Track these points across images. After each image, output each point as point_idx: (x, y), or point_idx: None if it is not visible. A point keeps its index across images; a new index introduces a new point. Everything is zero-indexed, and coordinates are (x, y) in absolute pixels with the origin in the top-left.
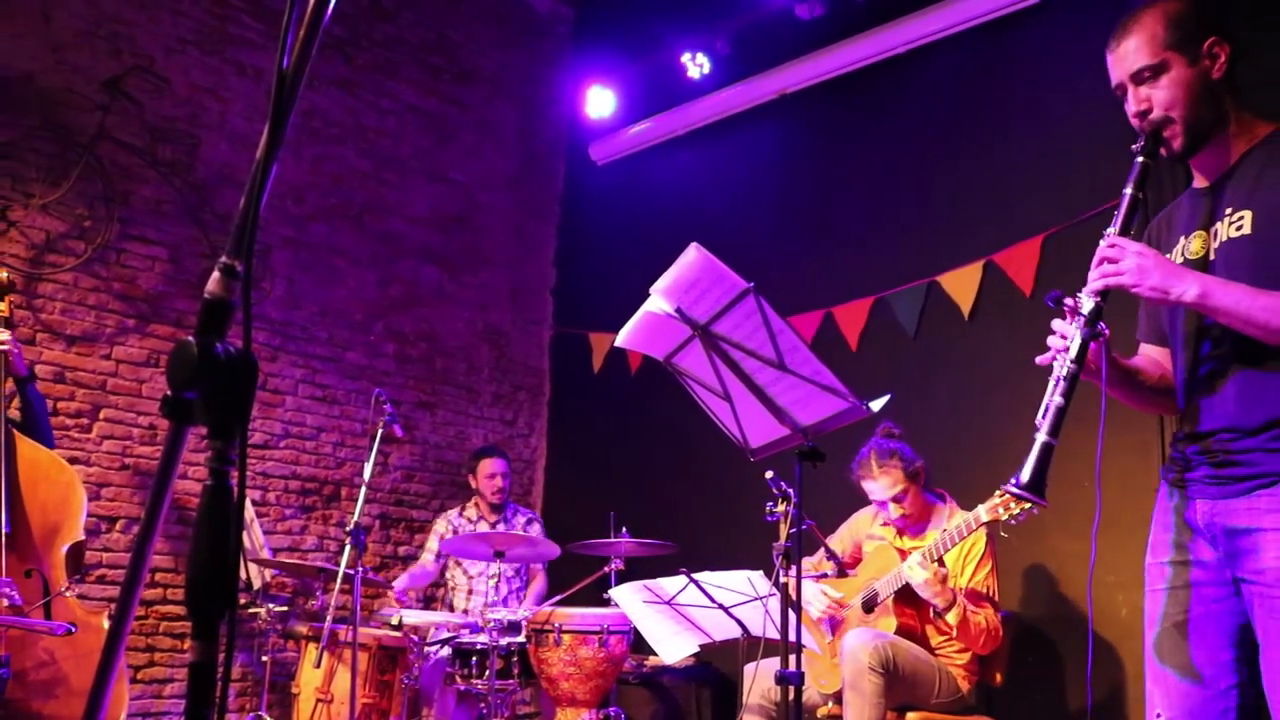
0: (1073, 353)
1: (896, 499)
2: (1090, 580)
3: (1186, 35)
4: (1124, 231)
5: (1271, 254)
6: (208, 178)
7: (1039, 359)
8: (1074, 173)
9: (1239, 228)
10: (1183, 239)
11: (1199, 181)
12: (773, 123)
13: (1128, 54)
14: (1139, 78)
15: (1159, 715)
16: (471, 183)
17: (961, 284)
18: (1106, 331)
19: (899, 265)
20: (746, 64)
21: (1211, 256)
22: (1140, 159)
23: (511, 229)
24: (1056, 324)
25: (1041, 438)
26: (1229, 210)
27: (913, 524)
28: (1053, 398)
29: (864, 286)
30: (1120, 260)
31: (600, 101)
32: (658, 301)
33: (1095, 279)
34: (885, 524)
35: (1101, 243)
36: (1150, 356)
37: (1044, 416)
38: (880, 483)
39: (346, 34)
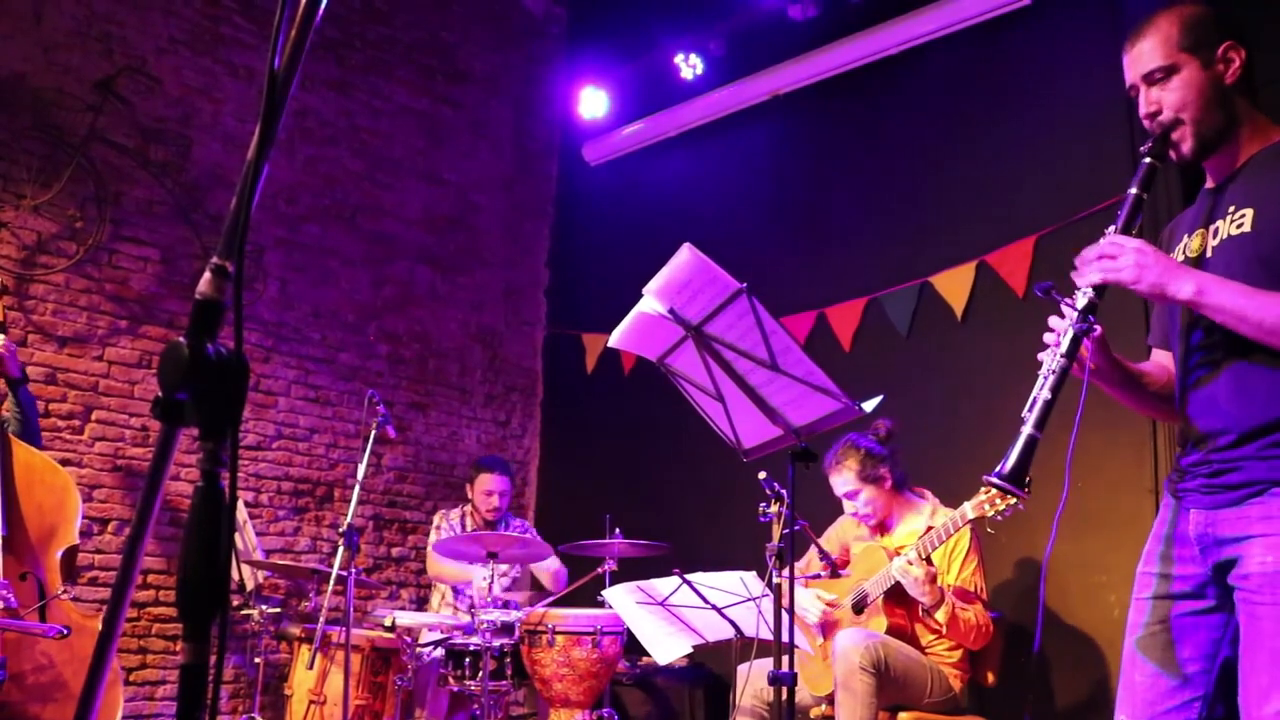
0: (1064, 347)
1: (847, 496)
2: (1045, 565)
3: (1201, 39)
4: (1126, 231)
5: (1270, 251)
6: (200, 179)
7: (1041, 355)
8: (1067, 173)
9: (1239, 225)
10: (1185, 238)
11: (1209, 183)
12: (766, 124)
13: (1142, 55)
14: (1151, 79)
15: (1123, 719)
16: (465, 183)
17: (954, 284)
18: (1099, 328)
19: (892, 266)
20: (740, 65)
21: (1209, 254)
22: (1147, 160)
23: (505, 230)
24: (1052, 320)
25: (1026, 430)
26: (1231, 208)
27: (877, 522)
28: (1041, 391)
29: (857, 287)
30: (1119, 257)
31: (594, 102)
32: (651, 302)
33: (1092, 274)
34: (858, 523)
35: (1101, 240)
36: (1159, 362)
37: (1030, 409)
38: (833, 479)
39: (340, 35)
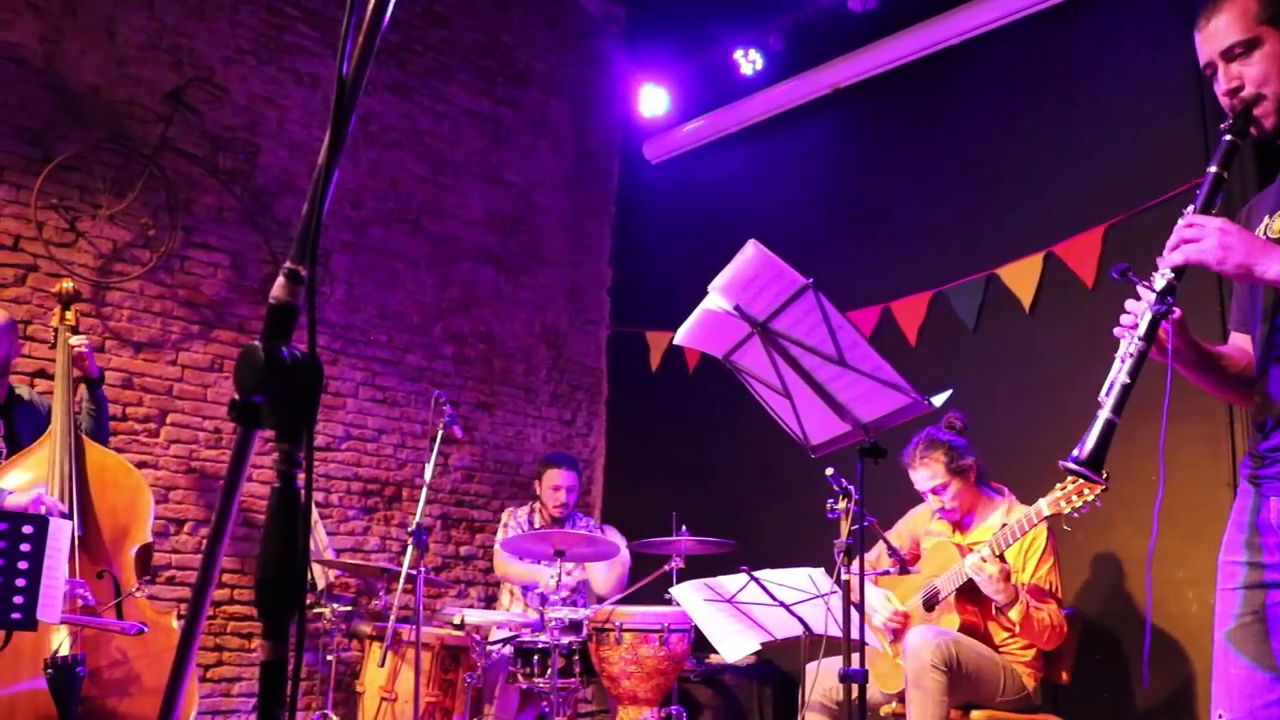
0: (1141, 329)
1: (935, 491)
2: (1149, 562)
3: None
4: (1205, 211)
5: None
6: (267, 185)
7: (1115, 331)
8: (1136, 161)
9: None
10: (1266, 219)
11: None
12: (827, 118)
13: (1218, 31)
14: (1230, 55)
15: (1220, 714)
16: (527, 184)
17: (1021, 276)
18: (1178, 311)
19: (957, 259)
20: (799, 59)
21: None
22: (1227, 138)
23: (567, 229)
24: (1129, 303)
25: (1104, 414)
26: None
27: (960, 518)
28: (1118, 375)
29: (922, 280)
30: (1202, 238)
31: (653, 100)
32: (716, 299)
33: (1174, 254)
34: (940, 518)
35: (1180, 221)
36: (1238, 345)
37: (1108, 393)
38: (919, 474)
39: (400, 39)
